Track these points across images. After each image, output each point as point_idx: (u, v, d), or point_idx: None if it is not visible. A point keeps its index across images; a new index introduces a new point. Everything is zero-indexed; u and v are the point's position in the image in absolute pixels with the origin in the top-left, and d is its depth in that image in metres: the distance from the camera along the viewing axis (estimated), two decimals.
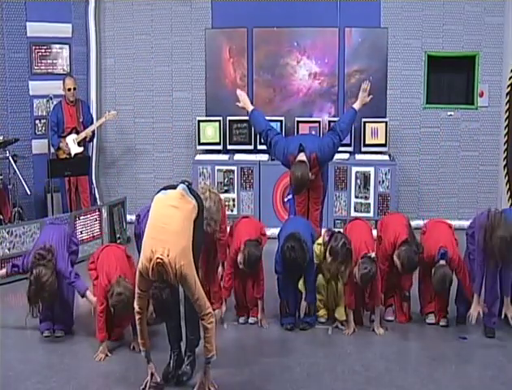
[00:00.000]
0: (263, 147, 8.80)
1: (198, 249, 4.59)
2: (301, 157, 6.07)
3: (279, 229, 6.21)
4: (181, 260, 4.16)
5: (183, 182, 4.60)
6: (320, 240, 5.56)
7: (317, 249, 5.54)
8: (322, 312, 5.69)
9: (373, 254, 5.37)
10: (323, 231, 5.68)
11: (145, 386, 4.49)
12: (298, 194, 6.22)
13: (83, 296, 5.40)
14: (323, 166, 6.32)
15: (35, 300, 5.16)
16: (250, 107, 6.69)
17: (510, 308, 5.30)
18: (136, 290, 4.33)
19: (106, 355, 5.02)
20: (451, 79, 9.01)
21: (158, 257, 4.10)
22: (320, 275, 5.64)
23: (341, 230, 5.88)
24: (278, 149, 6.30)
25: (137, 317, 4.39)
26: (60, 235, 5.57)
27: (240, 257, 5.47)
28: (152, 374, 4.50)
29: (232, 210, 8.46)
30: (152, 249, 4.14)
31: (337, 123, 6.42)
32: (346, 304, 5.49)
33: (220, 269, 5.80)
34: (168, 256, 4.10)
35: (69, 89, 8.40)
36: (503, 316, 5.32)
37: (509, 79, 8.58)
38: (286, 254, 5.28)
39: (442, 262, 5.34)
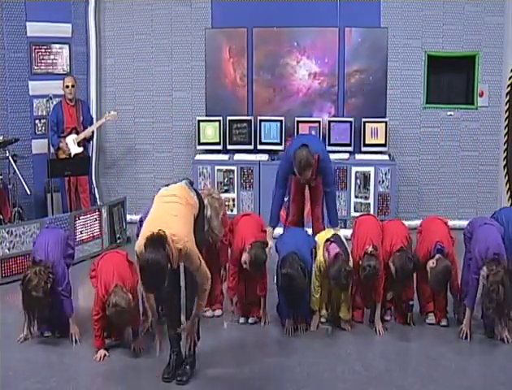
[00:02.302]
0: (263, 147, 8.86)
1: (200, 248, 4.59)
2: None
3: (279, 234, 6.19)
4: (184, 237, 4.17)
5: (185, 179, 4.66)
6: (321, 257, 5.50)
7: (318, 265, 5.50)
8: (322, 312, 5.69)
9: (370, 248, 5.38)
10: (324, 241, 5.61)
11: (159, 347, 4.56)
12: (301, 175, 5.96)
13: (68, 316, 5.33)
14: (322, 172, 6.18)
15: (27, 306, 5.12)
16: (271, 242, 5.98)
17: (504, 329, 5.27)
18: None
19: (105, 355, 5.02)
20: (451, 79, 9.00)
21: (159, 230, 4.07)
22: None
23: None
24: (282, 159, 6.31)
25: (144, 295, 4.46)
26: (56, 239, 5.53)
27: (245, 257, 5.45)
28: (160, 334, 4.56)
29: (232, 210, 8.45)
30: (151, 230, 4.11)
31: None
32: (354, 304, 5.56)
33: (222, 272, 5.76)
34: (170, 231, 4.10)
35: (67, 86, 8.39)
36: (498, 338, 5.30)
37: (509, 79, 8.58)
38: (283, 283, 5.26)
39: (438, 256, 5.35)
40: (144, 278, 4.07)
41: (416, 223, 7.70)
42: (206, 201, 5.18)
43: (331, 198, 6.25)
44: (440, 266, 5.29)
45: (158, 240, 4.04)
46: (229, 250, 5.78)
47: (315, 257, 5.58)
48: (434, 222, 5.82)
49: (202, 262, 4.32)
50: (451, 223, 5.92)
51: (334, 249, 5.42)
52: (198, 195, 4.67)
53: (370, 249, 5.40)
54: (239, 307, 5.76)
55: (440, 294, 5.59)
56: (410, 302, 5.60)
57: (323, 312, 5.69)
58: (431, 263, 5.36)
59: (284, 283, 5.27)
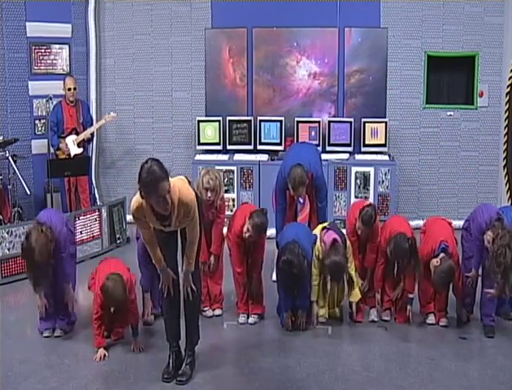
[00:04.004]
0: (263, 147, 8.87)
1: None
2: None
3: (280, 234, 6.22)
4: (185, 190, 4.35)
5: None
6: (318, 245, 5.54)
7: (316, 253, 5.53)
8: (322, 311, 5.69)
9: (367, 202, 5.69)
10: (320, 230, 5.67)
11: (168, 290, 4.62)
12: (295, 191, 6.10)
13: (64, 282, 5.38)
14: (316, 188, 6.34)
15: (28, 265, 5.14)
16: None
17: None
18: (137, 226, 4.59)
19: (105, 355, 5.01)
20: (451, 79, 9.00)
21: None
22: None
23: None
24: (278, 177, 6.40)
25: (147, 247, 4.57)
26: (57, 213, 5.64)
27: (247, 225, 5.48)
28: (168, 279, 4.62)
29: (231, 210, 8.44)
30: None
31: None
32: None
33: (212, 259, 5.74)
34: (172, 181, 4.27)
35: (69, 89, 8.40)
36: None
37: (509, 79, 8.58)
38: (283, 268, 5.28)
39: (442, 255, 5.36)
40: (142, 181, 4.19)
41: (416, 223, 7.71)
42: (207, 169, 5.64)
43: (322, 213, 6.55)
44: (444, 265, 5.29)
45: (163, 165, 4.26)
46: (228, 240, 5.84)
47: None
48: (438, 222, 5.84)
49: (198, 221, 4.45)
50: None
51: (330, 235, 5.46)
52: (196, 192, 4.73)
53: (367, 203, 5.66)
54: (240, 306, 5.77)
55: (442, 293, 5.59)
56: (410, 296, 5.60)
57: (323, 311, 5.69)
58: (435, 262, 5.37)
59: (283, 269, 5.28)
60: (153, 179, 4.15)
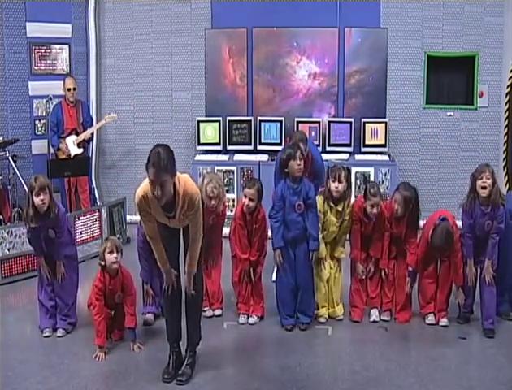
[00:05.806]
0: (263, 147, 8.87)
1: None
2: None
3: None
4: (191, 183, 4.36)
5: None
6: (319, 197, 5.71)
7: (319, 201, 5.63)
8: (322, 311, 5.70)
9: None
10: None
11: (168, 290, 4.64)
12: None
13: (57, 259, 5.42)
14: (315, 173, 6.32)
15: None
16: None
17: (489, 270, 5.38)
18: (141, 219, 4.52)
19: (105, 353, 5.00)
20: (451, 79, 9.01)
21: None
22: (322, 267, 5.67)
23: None
24: (276, 160, 6.32)
25: (151, 243, 4.56)
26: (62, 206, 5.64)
27: (243, 195, 5.52)
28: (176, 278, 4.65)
29: (231, 211, 8.44)
30: None
31: None
32: (352, 303, 5.76)
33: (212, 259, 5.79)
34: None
35: (69, 89, 8.40)
36: (482, 276, 5.45)
37: (509, 79, 8.59)
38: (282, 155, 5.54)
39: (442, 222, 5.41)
40: (150, 161, 4.18)
41: None
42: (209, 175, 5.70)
43: None
44: (443, 225, 5.34)
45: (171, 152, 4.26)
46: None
47: None
48: (438, 211, 5.88)
49: (201, 216, 4.47)
50: None
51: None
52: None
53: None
54: (240, 307, 5.76)
55: (442, 293, 5.60)
56: (410, 268, 5.61)
57: (323, 311, 5.70)
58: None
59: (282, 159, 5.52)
60: (155, 171, 4.19)
